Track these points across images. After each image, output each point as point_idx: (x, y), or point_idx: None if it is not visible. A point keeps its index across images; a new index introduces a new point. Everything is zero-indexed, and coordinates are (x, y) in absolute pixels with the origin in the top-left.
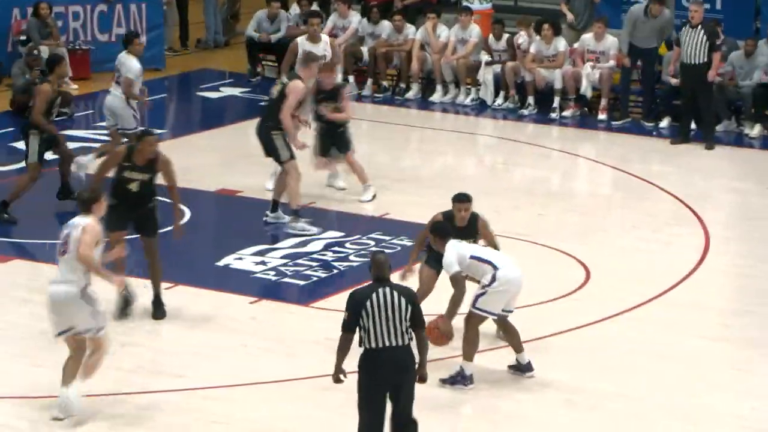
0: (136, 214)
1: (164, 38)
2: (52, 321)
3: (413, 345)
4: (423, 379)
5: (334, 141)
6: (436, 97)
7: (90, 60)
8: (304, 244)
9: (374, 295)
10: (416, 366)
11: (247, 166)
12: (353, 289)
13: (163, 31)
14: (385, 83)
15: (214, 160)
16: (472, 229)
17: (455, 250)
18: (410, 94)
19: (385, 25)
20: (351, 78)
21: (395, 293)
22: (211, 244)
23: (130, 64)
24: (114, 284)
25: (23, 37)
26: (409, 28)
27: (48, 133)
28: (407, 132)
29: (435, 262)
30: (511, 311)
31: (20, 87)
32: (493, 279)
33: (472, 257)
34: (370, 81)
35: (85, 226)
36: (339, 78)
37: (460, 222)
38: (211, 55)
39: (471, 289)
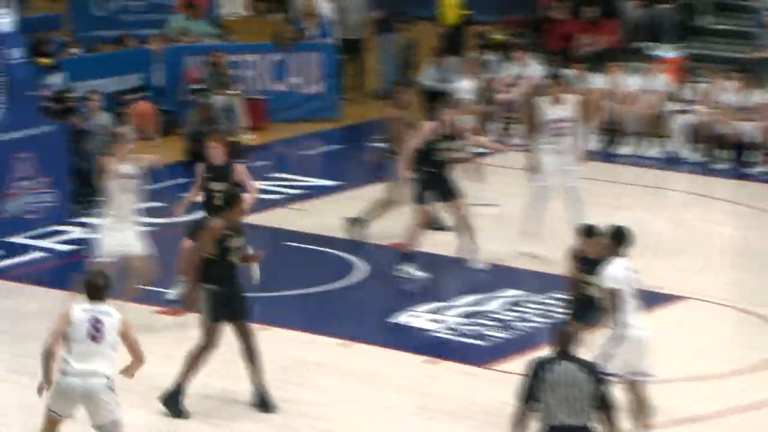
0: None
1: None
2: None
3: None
4: None
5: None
6: (622, 149)
7: (265, 109)
8: (482, 302)
9: (556, 368)
10: None
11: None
12: (533, 358)
13: (339, 80)
14: None
15: (389, 213)
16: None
17: (618, 268)
18: (593, 146)
19: (568, 74)
20: None
21: (579, 369)
22: (385, 299)
23: None
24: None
25: (197, 86)
26: (592, 77)
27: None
28: (589, 186)
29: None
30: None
31: (191, 135)
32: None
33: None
34: None
35: (122, 319)
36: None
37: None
38: (387, 103)
39: None
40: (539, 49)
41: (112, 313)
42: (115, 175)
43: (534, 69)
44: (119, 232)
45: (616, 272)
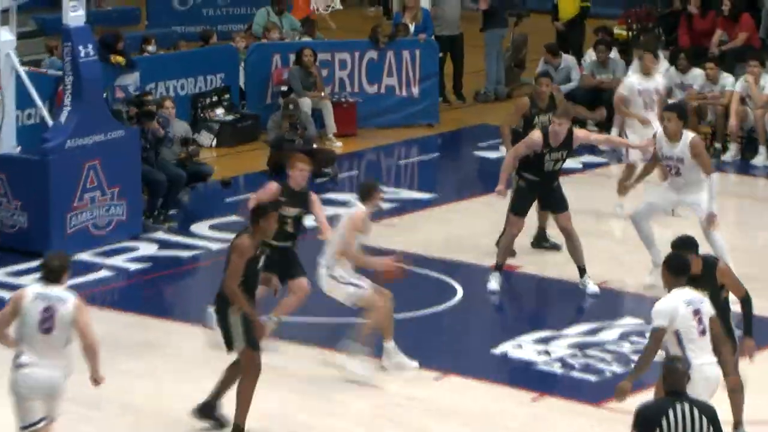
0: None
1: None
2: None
3: None
4: None
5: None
6: (759, 160)
7: (356, 115)
8: (595, 332)
9: (671, 412)
10: None
11: (530, 237)
12: (642, 404)
13: (439, 81)
14: None
15: (491, 229)
16: (709, 279)
17: (677, 302)
18: (727, 156)
19: (697, 75)
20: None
21: (695, 411)
22: (487, 328)
23: None
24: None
25: (284, 88)
26: (726, 78)
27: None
28: (722, 200)
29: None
30: None
31: (274, 143)
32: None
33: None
34: None
35: (77, 304)
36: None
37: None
38: (492, 108)
39: None
40: (668, 47)
41: (67, 299)
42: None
43: (662, 67)
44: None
45: (666, 307)
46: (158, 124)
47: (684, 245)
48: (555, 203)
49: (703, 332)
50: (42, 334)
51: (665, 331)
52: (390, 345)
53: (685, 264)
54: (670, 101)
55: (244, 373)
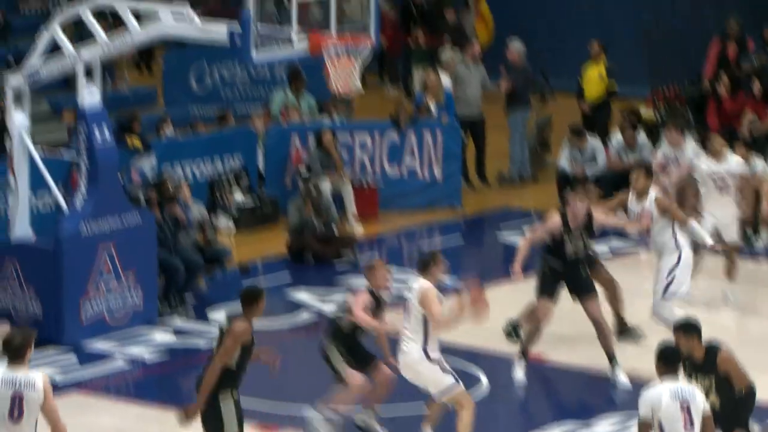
0: None
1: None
2: None
3: None
4: None
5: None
6: None
7: (378, 197)
8: (626, 420)
9: None
10: None
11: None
12: None
13: (462, 163)
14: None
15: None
16: (711, 367)
17: (662, 392)
18: (760, 243)
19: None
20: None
21: None
22: (511, 419)
23: None
24: None
25: (303, 170)
26: (757, 161)
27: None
28: (755, 291)
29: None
30: None
31: (295, 227)
32: None
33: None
34: None
35: (45, 388)
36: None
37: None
38: (516, 190)
39: None
40: (698, 128)
41: (34, 382)
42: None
43: (690, 151)
44: None
45: (649, 396)
46: (179, 207)
47: (686, 329)
48: (580, 288)
49: (690, 427)
50: (12, 423)
51: (649, 422)
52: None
53: (676, 354)
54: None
55: None
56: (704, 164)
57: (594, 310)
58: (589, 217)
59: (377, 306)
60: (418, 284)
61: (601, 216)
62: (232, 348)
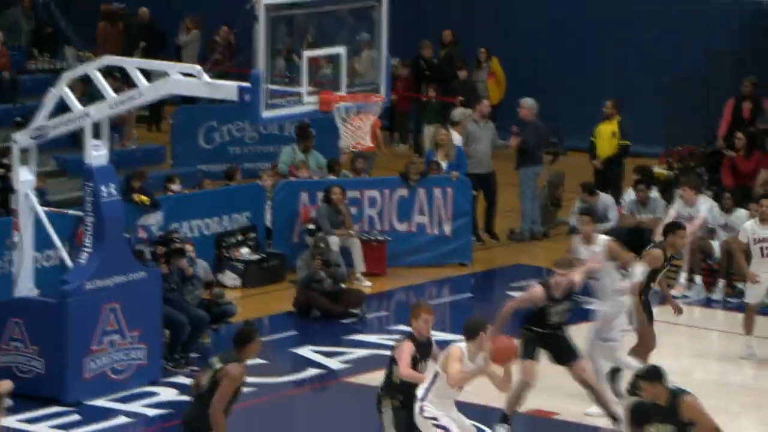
0: None
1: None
2: None
3: None
4: None
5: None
6: None
7: (386, 253)
8: None
9: None
10: None
11: (570, 382)
12: None
13: (472, 219)
14: (740, 285)
15: None
16: (673, 413)
17: None
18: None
19: (742, 215)
20: (698, 279)
21: None
22: None
23: None
24: None
25: (311, 226)
26: None
27: None
28: None
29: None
30: None
31: (302, 283)
32: None
33: None
34: (722, 282)
35: None
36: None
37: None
38: (527, 247)
39: None
40: (712, 187)
41: None
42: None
43: (705, 209)
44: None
45: None
46: (186, 262)
47: (650, 376)
48: (564, 354)
49: None
50: None
51: None
52: None
53: (647, 413)
54: (714, 242)
55: None
56: (752, 230)
57: (580, 373)
58: (572, 285)
59: (423, 351)
60: (453, 346)
61: (577, 278)
62: (229, 391)
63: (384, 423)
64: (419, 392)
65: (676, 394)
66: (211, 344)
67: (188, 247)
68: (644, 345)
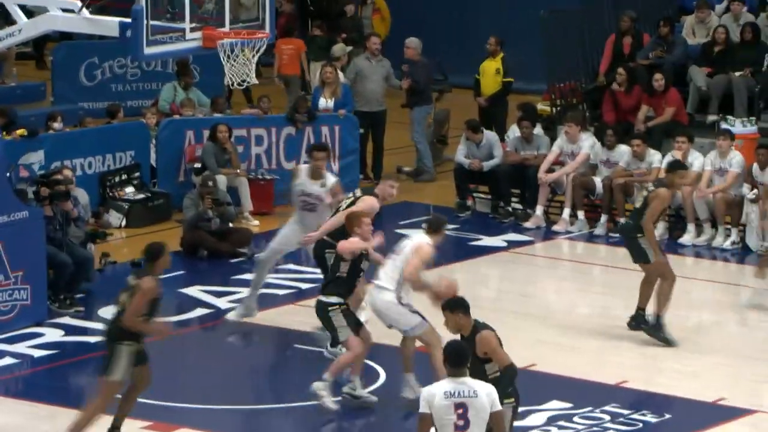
0: None
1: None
2: None
3: None
4: None
5: None
6: (687, 238)
7: (273, 192)
8: (522, 416)
9: None
10: None
11: None
12: None
13: (359, 157)
14: (622, 220)
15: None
16: (470, 344)
17: (435, 389)
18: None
19: (624, 151)
20: (581, 214)
21: None
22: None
23: None
24: None
25: (197, 165)
26: (653, 155)
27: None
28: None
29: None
30: None
31: (190, 222)
32: None
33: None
34: (604, 218)
35: None
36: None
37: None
38: (413, 185)
39: None
40: (594, 123)
41: None
42: None
43: (587, 145)
44: None
45: (426, 393)
46: (70, 202)
47: (451, 305)
48: None
49: (463, 427)
50: None
51: (429, 417)
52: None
53: (463, 355)
54: (596, 178)
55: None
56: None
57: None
58: None
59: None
60: (419, 237)
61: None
62: (140, 304)
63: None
64: (389, 285)
65: (477, 328)
66: (97, 284)
67: (67, 173)
68: (667, 278)
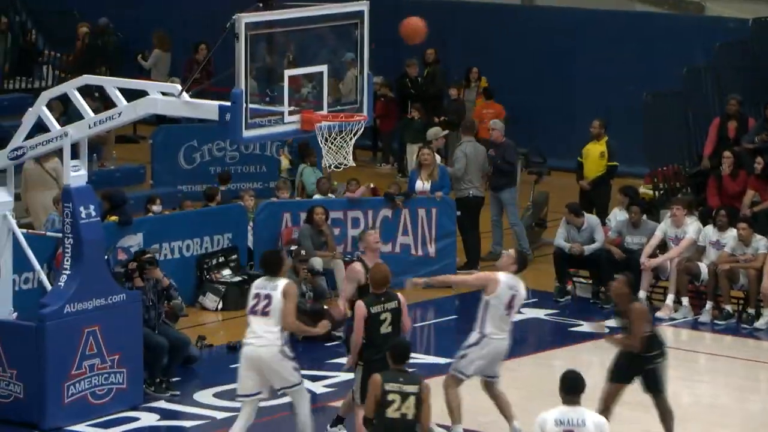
0: None
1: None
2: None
3: None
4: None
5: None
6: None
7: None
8: None
9: None
10: None
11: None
12: None
13: (456, 240)
14: (728, 308)
15: (512, 397)
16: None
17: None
18: (761, 323)
19: (731, 235)
20: (685, 300)
21: None
22: None
23: None
24: None
25: (294, 247)
26: (759, 241)
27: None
28: (756, 370)
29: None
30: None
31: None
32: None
33: None
34: (709, 304)
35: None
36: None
37: None
38: None
39: None
40: (699, 207)
41: None
42: None
43: (692, 230)
44: None
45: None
46: (160, 272)
47: None
48: None
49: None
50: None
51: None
52: None
53: (578, 383)
54: (701, 264)
55: None
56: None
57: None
58: None
59: None
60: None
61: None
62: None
63: None
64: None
65: None
66: (194, 367)
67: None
68: None
